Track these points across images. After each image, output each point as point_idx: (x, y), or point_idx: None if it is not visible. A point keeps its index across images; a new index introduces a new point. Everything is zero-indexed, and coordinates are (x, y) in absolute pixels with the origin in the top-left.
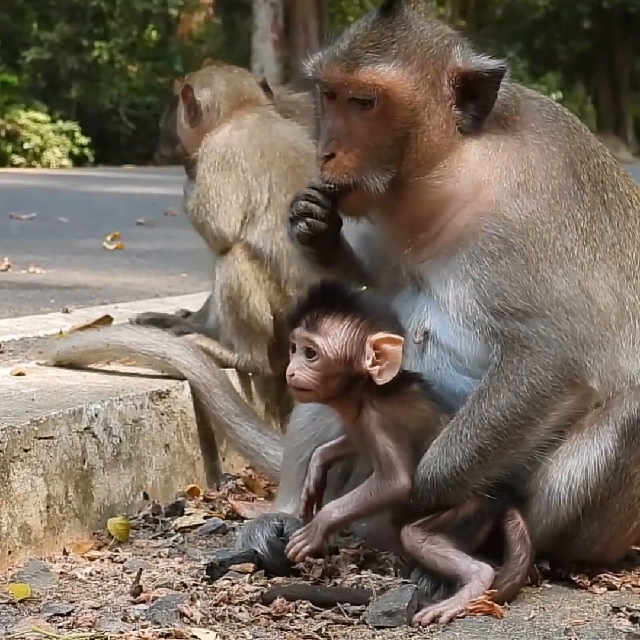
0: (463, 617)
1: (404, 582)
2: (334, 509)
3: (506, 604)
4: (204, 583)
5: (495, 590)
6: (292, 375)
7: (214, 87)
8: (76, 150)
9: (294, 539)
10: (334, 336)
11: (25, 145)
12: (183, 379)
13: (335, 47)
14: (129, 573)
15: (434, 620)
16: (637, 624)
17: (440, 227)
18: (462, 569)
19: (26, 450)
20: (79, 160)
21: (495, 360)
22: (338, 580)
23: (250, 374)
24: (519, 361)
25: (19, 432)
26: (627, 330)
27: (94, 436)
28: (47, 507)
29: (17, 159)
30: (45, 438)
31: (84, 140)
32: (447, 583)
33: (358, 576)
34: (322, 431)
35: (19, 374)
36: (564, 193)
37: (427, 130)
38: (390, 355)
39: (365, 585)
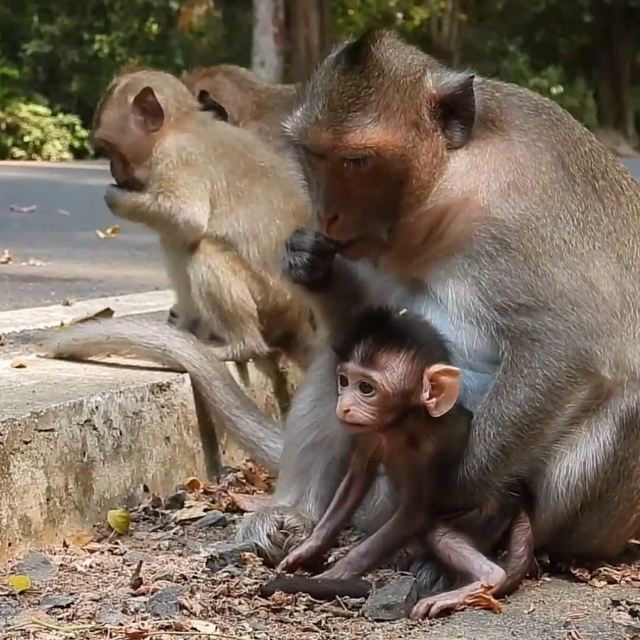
0: (462, 610)
1: (402, 575)
2: (360, 559)
3: (506, 597)
4: (204, 575)
5: (494, 585)
6: (348, 411)
7: (165, 91)
8: (76, 144)
9: None
10: (391, 370)
11: (26, 139)
12: (183, 371)
13: (313, 107)
14: (129, 565)
15: (428, 610)
16: (637, 618)
17: (436, 237)
18: (475, 567)
19: (26, 443)
20: (79, 154)
21: (506, 356)
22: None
23: (251, 361)
24: (531, 355)
25: (19, 425)
26: (628, 320)
27: (95, 428)
28: (47, 500)
29: (18, 152)
30: (46, 430)
31: (84, 133)
32: (446, 576)
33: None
34: (323, 418)
35: (19, 366)
36: (555, 186)
37: (420, 170)
38: (447, 388)
39: (364, 578)
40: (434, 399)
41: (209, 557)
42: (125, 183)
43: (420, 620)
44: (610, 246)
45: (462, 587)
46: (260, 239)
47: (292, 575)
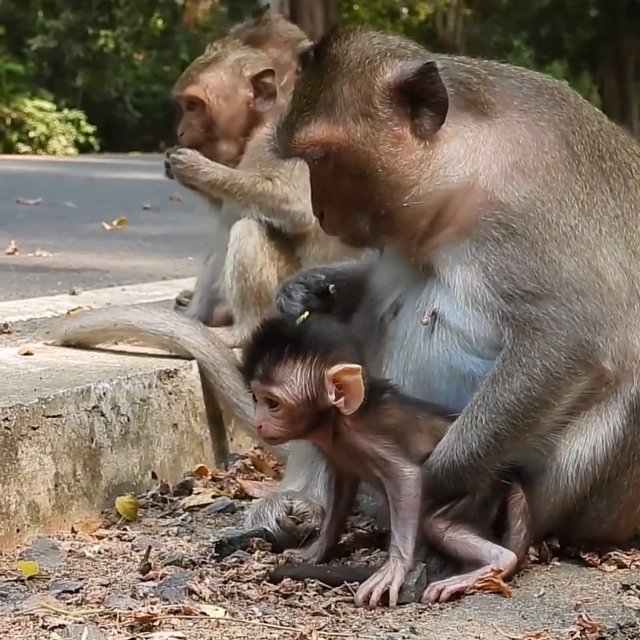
0: (472, 594)
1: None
2: (399, 545)
3: (515, 581)
4: (213, 561)
5: (504, 568)
6: (261, 427)
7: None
8: (82, 139)
9: (371, 583)
10: (290, 383)
11: (31, 134)
12: (191, 358)
13: (282, 115)
14: (138, 551)
15: (438, 595)
16: None
17: (442, 223)
18: (484, 554)
19: (34, 429)
20: (84, 149)
21: (507, 344)
22: (348, 560)
23: None
24: (531, 344)
25: (27, 411)
26: (637, 309)
27: (102, 415)
28: (55, 486)
29: (23, 148)
30: (54, 416)
31: (89, 128)
32: (455, 561)
33: (368, 557)
34: None
35: (26, 354)
36: (559, 166)
37: (383, 161)
38: (351, 386)
39: (374, 564)
40: (341, 399)
41: (218, 543)
42: (193, 147)
43: (430, 604)
44: (617, 231)
45: (472, 571)
46: (313, 240)
47: (301, 560)
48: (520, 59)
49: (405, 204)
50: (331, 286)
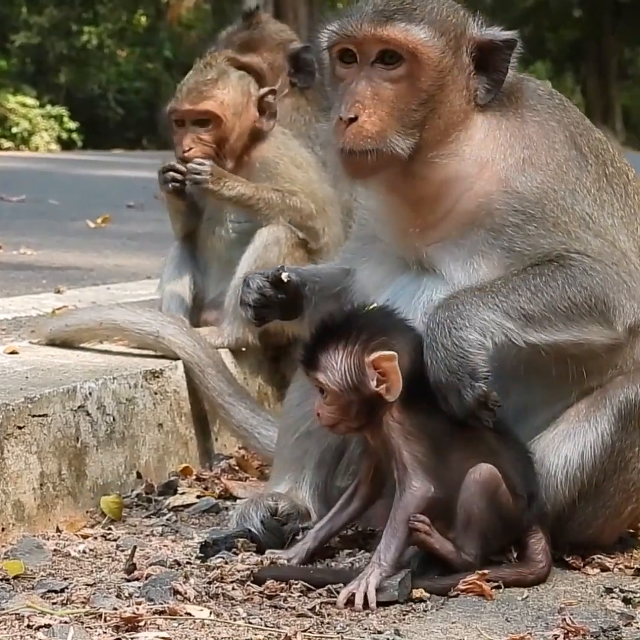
0: (456, 596)
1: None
2: (381, 551)
3: (500, 583)
4: (198, 561)
5: (488, 571)
6: (318, 414)
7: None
8: (64, 135)
9: (350, 587)
10: (331, 369)
11: (14, 130)
12: (176, 358)
13: (359, 9)
14: (123, 551)
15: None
16: (630, 605)
17: (447, 210)
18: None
19: (20, 428)
20: (67, 145)
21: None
22: (333, 561)
23: (244, 349)
24: (558, 268)
25: (13, 410)
26: None
27: (88, 414)
28: (41, 485)
29: (5, 143)
30: (39, 416)
31: (72, 124)
32: (441, 562)
33: (353, 558)
34: None
35: (12, 353)
36: (569, 164)
37: (450, 96)
38: (390, 372)
39: (358, 566)
40: (383, 385)
41: (203, 543)
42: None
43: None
44: (625, 227)
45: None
46: (331, 256)
47: (285, 562)
48: None
49: (437, 154)
50: (285, 275)
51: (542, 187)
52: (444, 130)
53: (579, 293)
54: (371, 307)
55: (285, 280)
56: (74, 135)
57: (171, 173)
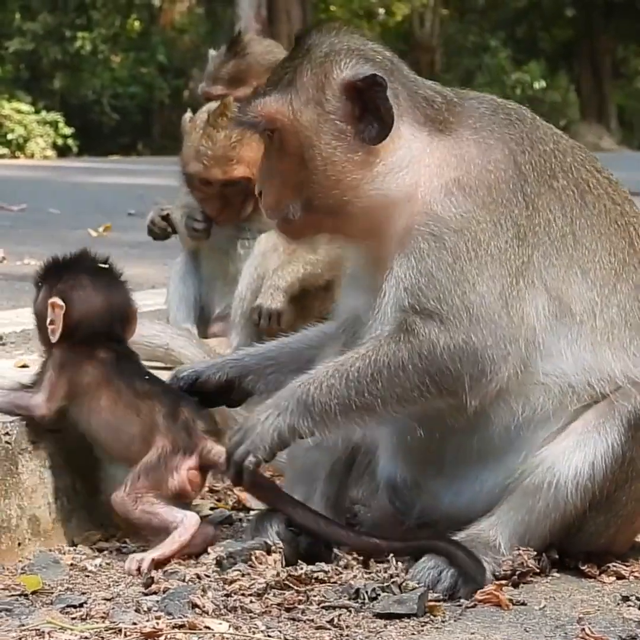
0: (473, 607)
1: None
2: None
3: (516, 593)
4: (215, 574)
5: (505, 581)
6: None
7: None
8: (60, 141)
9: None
10: (35, 299)
11: (9, 136)
12: None
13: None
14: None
15: (139, 565)
16: None
17: (388, 235)
18: (169, 518)
19: (34, 443)
20: (62, 151)
21: (383, 333)
22: (350, 573)
23: None
24: (398, 345)
25: (26, 425)
26: (588, 329)
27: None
28: (55, 499)
29: (1, 150)
30: (53, 431)
31: (67, 130)
32: (452, 573)
33: (366, 570)
34: None
35: (23, 366)
36: (501, 187)
37: (321, 149)
38: (55, 317)
39: (373, 578)
40: (51, 326)
41: (219, 557)
42: (228, 222)
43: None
44: (562, 251)
45: (168, 537)
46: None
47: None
48: (497, 59)
49: (345, 205)
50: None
51: (467, 217)
52: (333, 179)
53: (412, 374)
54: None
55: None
56: (70, 141)
57: (196, 223)
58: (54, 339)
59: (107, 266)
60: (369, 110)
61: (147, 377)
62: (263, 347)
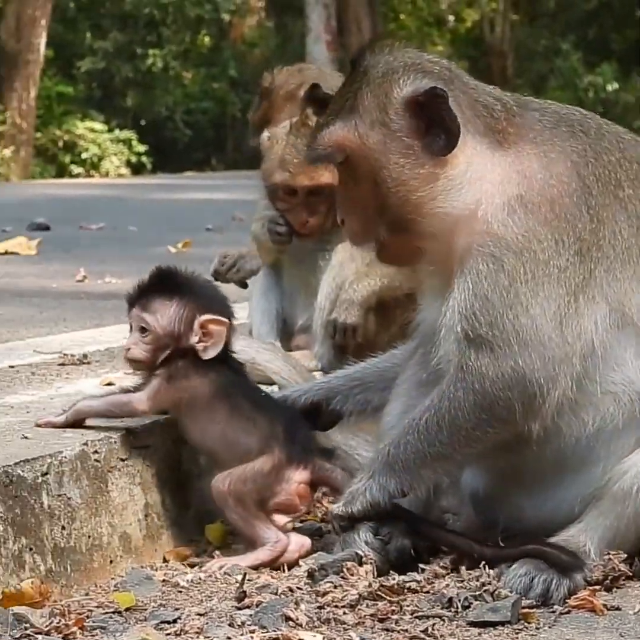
0: (568, 613)
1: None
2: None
3: (609, 598)
4: (306, 587)
5: (597, 586)
6: (129, 349)
7: None
8: (134, 159)
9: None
10: (162, 313)
11: (83, 155)
12: (271, 383)
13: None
14: (230, 578)
15: (220, 568)
16: None
17: (452, 253)
18: (263, 534)
19: (123, 460)
20: (136, 169)
21: (444, 380)
22: (442, 582)
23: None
24: (454, 386)
25: (115, 442)
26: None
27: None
28: (146, 516)
29: (76, 169)
30: (142, 447)
31: (141, 148)
32: (541, 579)
33: (458, 578)
34: None
35: (108, 384)
36: (564, 201)
37: (391, 169)
38: (215, 335)
39: (465, 586)
40: (202, 344)
41: (311, 569)
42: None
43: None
44: (628, 262)
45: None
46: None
47: None
48: (569, 63)
49: (417, 223)
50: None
51: (528, 236)
52: (406, 197)
53: (456, 419)
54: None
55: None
56: (143, 158)
57: (279, 227)
58: (207, 355)
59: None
60: (434, 123)
61: (262, 392)
62: (350, 368)
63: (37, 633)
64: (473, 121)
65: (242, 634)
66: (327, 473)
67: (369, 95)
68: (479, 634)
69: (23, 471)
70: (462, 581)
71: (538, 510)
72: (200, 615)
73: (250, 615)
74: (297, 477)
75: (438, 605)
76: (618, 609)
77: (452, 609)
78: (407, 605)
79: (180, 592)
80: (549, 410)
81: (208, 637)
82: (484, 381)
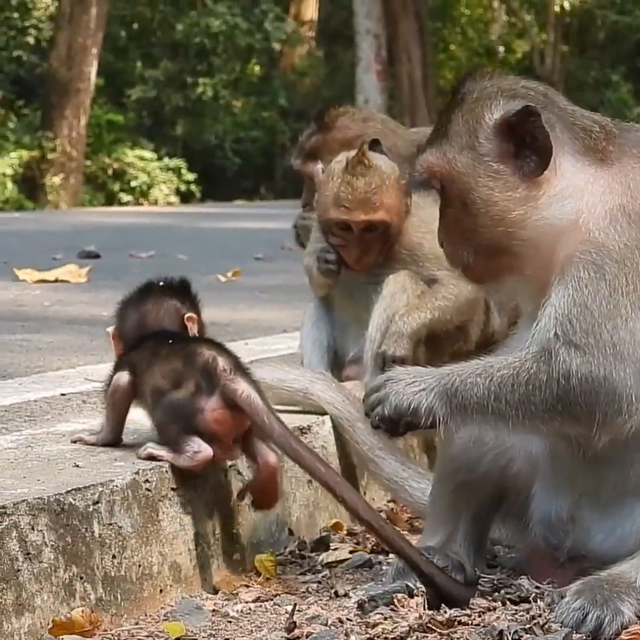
0: None
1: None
2: None
3: None
4: (356, 618)
5: None
6: None
7: None
8: (183, 187)
9: None
10: None
11: (133, 183)
12: (324, 414)
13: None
14: (280, 609)
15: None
16: None
17: (552, 264)
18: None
19: (174, 489)
20: (185, 197)
21: (528, 350)
22: (492, 615)
23: None
24: (538, 365)
25: (166, 472)
26: None
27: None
28: (196, 545)
29: (125, 197)
30: (192, 476)
31: (190, 176)
32: (595, 614)
33: (508, 611)
34: (475, 460)
35: None
36: None
37: (480, 192)
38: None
39: (516, 619)
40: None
41: (360, 600)
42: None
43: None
44: None
45: None
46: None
47: None
48: (618, 94)
49: (511, 241)
50: None
51: (630, 245)
52: (498, 219)
53: (535, 404)
54: None
55: None
56: (192, 187)
57: (328, 255)
58: None
59: None
60: (525, 144)
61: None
62: None
63: None
64: (570, 142)
65: None
66: (233, 394)
67: (460, 120)
68: None
69: (74, 500)
70: (513, 614)
71: (607, 536)
72: None
73: None
74: (209, 406)
75: (488, 638)
76: None
77: None
78: (458, 638)
79: (230, 622)
80: (627, 429)
81: None
82: (570, 378)
